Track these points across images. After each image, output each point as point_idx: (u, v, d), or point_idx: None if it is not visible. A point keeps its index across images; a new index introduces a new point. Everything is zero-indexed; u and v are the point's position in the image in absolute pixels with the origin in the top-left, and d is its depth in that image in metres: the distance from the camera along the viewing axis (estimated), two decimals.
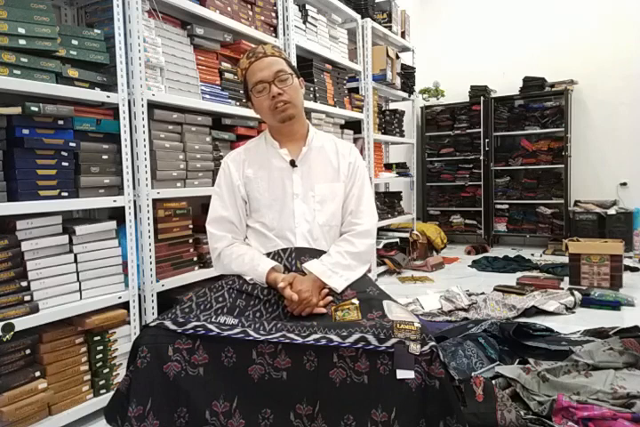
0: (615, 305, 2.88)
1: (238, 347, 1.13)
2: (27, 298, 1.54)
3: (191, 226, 2.17)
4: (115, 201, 1.81)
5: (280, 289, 1.29)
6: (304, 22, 3.00)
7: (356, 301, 1.27)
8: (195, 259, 2.18)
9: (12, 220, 1.54)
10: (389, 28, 4.20)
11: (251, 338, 1.12)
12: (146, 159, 1.91)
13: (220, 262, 1.45)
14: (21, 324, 1.50)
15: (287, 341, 1.11)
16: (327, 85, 3.21)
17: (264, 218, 1.45)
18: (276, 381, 1.10)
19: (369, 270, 1.50)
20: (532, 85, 5.11)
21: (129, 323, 1.86)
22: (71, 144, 1.66)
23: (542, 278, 3.57)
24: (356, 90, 3.75)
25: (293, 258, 1.40)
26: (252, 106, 1.52)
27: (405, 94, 4.58)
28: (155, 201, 1.98)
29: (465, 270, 4.17)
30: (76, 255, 1.69)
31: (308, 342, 1.10)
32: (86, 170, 1.73)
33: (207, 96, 2.24)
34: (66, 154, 1.66)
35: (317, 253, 1.42)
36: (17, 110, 1.51)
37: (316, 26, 3.12)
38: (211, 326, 1.15)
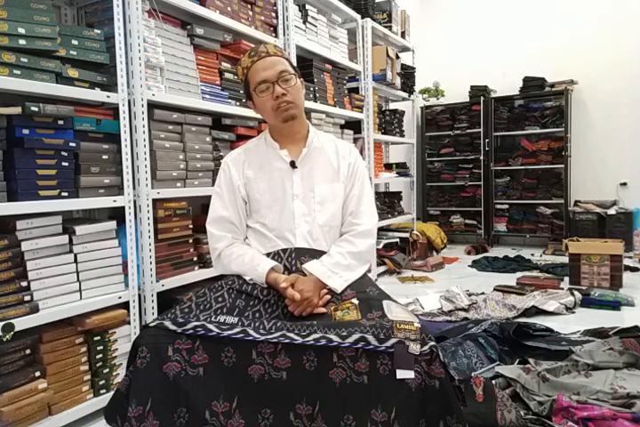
0: (615, 305, 2.88)
1: (238, 347, 1.13)
2: (27, 298, 1.54)
3: (191, 226, 2.17)
4: (115, 201, 1.81)
5: (282, 289, 1.29)
6: (304, 22, 3.00)
7: (355, 301, 1.27)
8: (195, 259, 2.18)
9: (11, 220, 1.54)
10: (389, 28, 4.20)
11: (250, 338, 1.12)
12: (146, 159, 1.91)
13: (220, 263, 1.45)
14: (21, 324, 1.50)
15: (287, 340, 1.11)
16: (327, 85, 3.21)
17: (264, 219, 1.45)
18: (276, 381, 1.10)
19: (369, 270, 1.50)
20: (532, 85, 5.10)
21: (129, 323, 1.86)
22: (71, 144, 1.66)
23: (542, 278, 3.57)
24: (356, 90, 3.75)
25: (293, 258, 1.40)
26: (252, 105, 1.51)
27: (405, 94, 4.58)
28: (155, 201, 1.98)
29: (465, 270, 4.17)
30: (75, 255, 1.69)
31: (308, 342, 1.10)
32: (86, 170, 1.73)
33: (207, 96, 2.24)
34: (66, 154, 1.66)
35: (317, 254, 1.42)
36: (17, 110, 1.51)
37: (315, 26, 3.12)
38: (210, 326, 1.15)
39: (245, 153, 1.52)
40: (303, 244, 1.43)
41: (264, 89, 1.41)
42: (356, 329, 1.11)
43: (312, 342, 1.10)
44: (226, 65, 2.38)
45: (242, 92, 2.40)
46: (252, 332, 1.13)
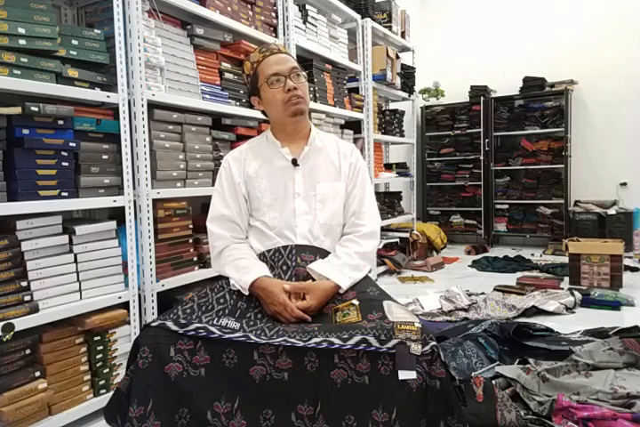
0: (615, 305, 2.88)
1: (240, 348, 1.13)
2: (27, 298, 1.54)
3: (191, 226, 2.17)
4: (115, 201, 1.81)
5: (286, 305, 1.26)
6: (304, 22, 3.00)
7: (355, 301, 1.27)
8: (195, 259, 2.18)
9: (11, 220, 1.54)
10: (389, 28, 4.20)
11: (252, 341, 1.12)
12: (146, 159, 1.91)
13: (218, 263, 1.45)
14: (21, 324, 1.50)
15: (289, 344, 1.11)
16: (327, 85, 3.21)
17: (265, 217, 1.45)
18: (278, 381, 1.10)
19: (369, 270, 1.50)
20: (532, 85, 5.10)
21: (129, 323, 1.86)
22: (71, 144, 1.66)
23: (542, 278, 3.57)
24: (356, 90, 3.75)
25: (294, 255, 1.40)
26: (256, 101, 1.50)
27: (405, 94, 4.58)
28: (155, 201, 1.98)
29: (465, 270, 4.17)
30: (75, 255, 1.69)
31: (310, 346, 1.10)
32: (86, 170, 1.73)
33: (207, 96, 2.24)
34: (66, 154, 1.65)
35: (318, 251, 1.41)
36: (17, 110, 1.51)
37: (315, 26, 3.12)
38: (212, 329, 1.15)
39: (247, 151, 1.52)
40: (303, 242, 1.42)
41: (276, 82, 1.41)
42: (357, 331, 1.11)
43: (313, 345, 1.10)
44: (226, 65, 2.38)
45: (242, 92, 2.40)
46: (253, 337, 1.13)
